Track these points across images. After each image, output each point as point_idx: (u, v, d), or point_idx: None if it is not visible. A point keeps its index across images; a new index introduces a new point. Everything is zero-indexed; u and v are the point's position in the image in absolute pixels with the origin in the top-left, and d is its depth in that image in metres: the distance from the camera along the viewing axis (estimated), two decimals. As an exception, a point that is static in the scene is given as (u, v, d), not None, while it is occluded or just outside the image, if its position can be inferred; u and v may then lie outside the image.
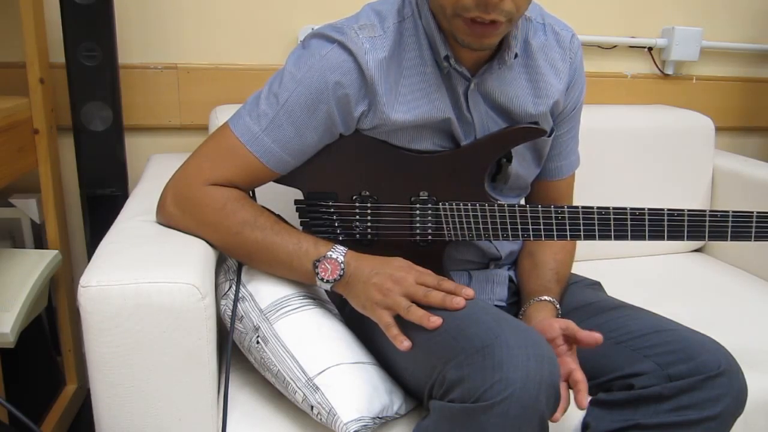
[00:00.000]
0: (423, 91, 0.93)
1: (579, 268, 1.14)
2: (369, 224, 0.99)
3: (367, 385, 0.87)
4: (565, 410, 0.85)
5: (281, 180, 0.97)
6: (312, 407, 0.86)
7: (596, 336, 0.86)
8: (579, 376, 0.87)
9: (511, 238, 0.97)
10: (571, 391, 0.88)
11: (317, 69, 0.89)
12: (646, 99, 1.81)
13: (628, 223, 0.93)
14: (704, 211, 0.93)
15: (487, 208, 0.96)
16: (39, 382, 1.40)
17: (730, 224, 0.93)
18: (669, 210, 0.93)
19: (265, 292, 0.93)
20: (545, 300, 0.99)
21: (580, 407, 0.85)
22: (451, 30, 0.87)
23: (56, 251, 1.29)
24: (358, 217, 0.98)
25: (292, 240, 0.91)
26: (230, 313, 0.93)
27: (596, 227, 0.94)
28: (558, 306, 0.99)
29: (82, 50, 1.23)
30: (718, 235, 0.93)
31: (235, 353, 0.98)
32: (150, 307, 0.79)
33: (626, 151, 1.55)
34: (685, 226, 0.93)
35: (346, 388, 0.85)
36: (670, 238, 0.93)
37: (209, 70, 1.48)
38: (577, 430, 0.94)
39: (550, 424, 0.79)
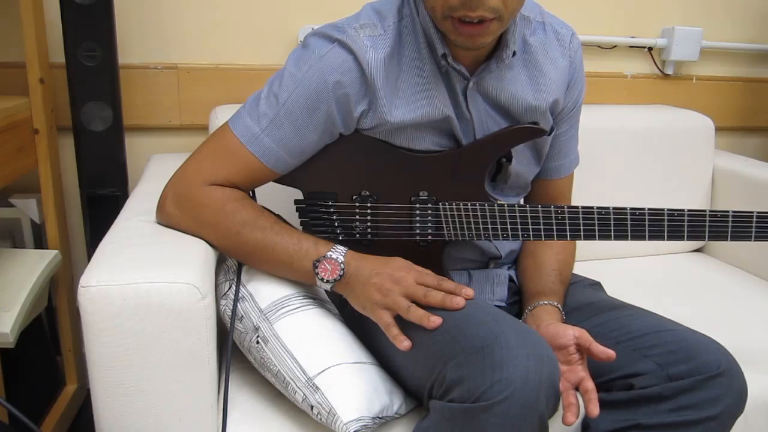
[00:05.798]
0: (422, 89, 0.93)
1: (579, 268, 1.14)
2: (369, 224, 0.99)
3: (367, 385, 0.87)
4: (577, 416, 0.85)
5: (281, 180, 0.97)
6: (312, 407, 0.86)
7: (609, 352, 0.85)
8: (589, 385, 0.87)
9: (511, 238, 0.97)
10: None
11: (317, 69, 0.89)
12: (646, 99, 1.81)
13: (628, 223, 0.93)
14: (704, 211, 0.93)
15: (486, 207, 0.96)
16: (39, 382, 1.40)
17: (730, 224, 0.93)
18: (669, 210, 0.93)
19: (265, 292, 0.93)
20: (551, 304, 0.99)
21: (590, 416, 0.84)
22: (444, 31, 0.87)
23: (56, 251, 1.29)
24: (358, 217, 0.98)
25: (292, 240, 0.91)
26: (230, 313, 0.93)
27: (596, 227, 0.94)
28: (563, 311, 0.99)
29: (82, 50, 1.23)
30: (718, 235, 0.93)
31: (235, 353, 0.98)
32: (150, 307, 0.79)
33: (626, 151, 1.55)
34: (685, 226, 0.93)
35: (346, 388, 0.85)
36: (670, 238, 0.93)
37: (209, 70, 1.48)
38: (577, 431, 0.94)
39: (551, 424, 0.79)
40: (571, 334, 0.89)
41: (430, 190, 0.97)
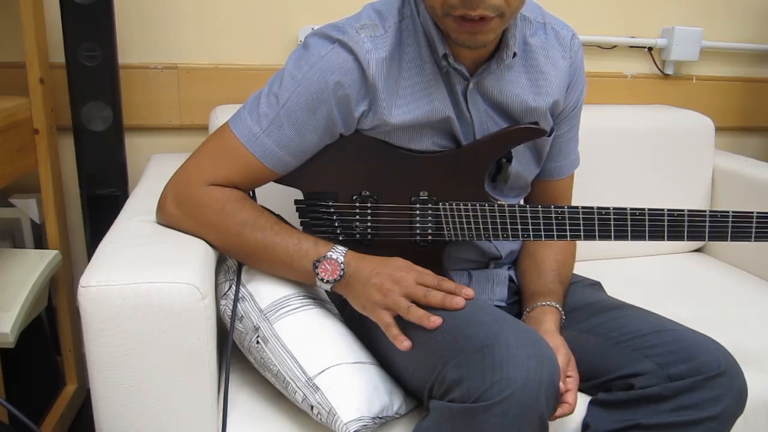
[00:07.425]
0: (423, 90, 0.93)
1: (579, 268, 1.14)
2: (369, 224, 0.99)
3: (367, 385, 0.87)
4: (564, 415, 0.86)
5: (281, 180, 0.97)
6: (312, 407, 0.86)
7: (567, 408, 0.86)
8: (569, 398, 0.87)
9: (511, 238, 0.97)
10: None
11: (317, 69, 0.89)
12: (646, 99, 1.81)
13: (628, 223, 0.93)
14: (704, 211, 0.93)
15: (487, 208, 0.96)
16: (39, 382, 1.40)
17: (730, 224, 0.93)
18: (669, 210, 0.93)
19: (265, 292, 0.93)
20: (550, 305, 0.99)
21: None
22: (445, 30, 0.87)
23: (56, 251, 1.29)
24: (358, 217, 0.98)
25: (292, 240, 0.91)
26: (230, 313, 0.93)
27: (596, 227, 0.94)
28: (562, 312, 0.99)
29: (82, 50, 1.23)
30: (718, 235, 0.93)
31: (235, 353, 0.98)
32: (150, 307, 0.79)
33: (626, 151, 1.55)
34: (686, 227, 0.93)
35: (346, 388, 0.85)
36: (671, 238, 0.93)
37: (209, 70, 1.48)
38: (577, 431, 0.94)
39: (550, 424, 0.79)
40: (559, 357, 0.88)
41: (430, 191, 0.97)
